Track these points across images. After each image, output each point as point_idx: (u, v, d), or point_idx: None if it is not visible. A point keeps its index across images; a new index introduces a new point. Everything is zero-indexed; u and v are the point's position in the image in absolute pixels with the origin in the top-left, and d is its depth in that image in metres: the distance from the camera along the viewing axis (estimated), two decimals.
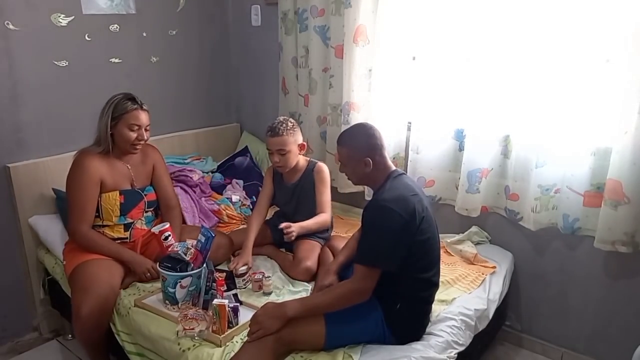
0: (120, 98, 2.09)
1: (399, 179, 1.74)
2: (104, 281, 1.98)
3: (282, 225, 2.16)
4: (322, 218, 2.28)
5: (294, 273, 2.18)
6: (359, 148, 1.75)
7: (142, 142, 2.14)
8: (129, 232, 2.19)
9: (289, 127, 2.22)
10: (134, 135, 2.10)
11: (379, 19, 2.44)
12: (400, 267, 1.67)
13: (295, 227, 2.17)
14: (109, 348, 2.08)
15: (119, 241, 2.15)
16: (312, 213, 2.30)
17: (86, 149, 2.13)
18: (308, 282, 2.14)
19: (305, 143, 2.35)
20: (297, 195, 2.36)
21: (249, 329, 1.68)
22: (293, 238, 2.17)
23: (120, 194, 2.14)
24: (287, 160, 2.25)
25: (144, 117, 2.11)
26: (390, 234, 1.62)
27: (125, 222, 2.18)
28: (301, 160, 2.35)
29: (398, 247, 1.64)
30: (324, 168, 2.34)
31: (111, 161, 2.13)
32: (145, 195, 2.23)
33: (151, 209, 2.27)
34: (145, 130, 2.13)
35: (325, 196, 2.31)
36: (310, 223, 2.24)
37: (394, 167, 1.81)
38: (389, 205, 1.63)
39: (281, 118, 2.28)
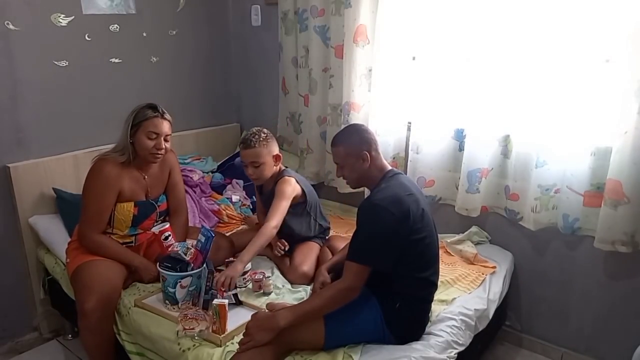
0: (141, 107, 2.06)
1: (394, 179, 1.75)
2: (107, 280, 1.98)
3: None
4: (260, 234, 2.04)
5: (291, 277, 2.18)
6: (355, 143, 1.77)
7: (161, 152, 2.07)
8: (134, 237, 2.18)
9: (261, 139, 2.14)
10: (151, 143, 2.04)
11: (379, 19, 2.44)
12: (394, 266, 1.67)
13: (227, 271, 1.92)
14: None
15: (124, 244, 2.14)
16: (290, 220, 2.22)
17: (107, 155, 2.07)
18: (307, 284, 2.14)
19: (280, 154, 2.23)
20: (270, 203, 2.22)
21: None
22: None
23: (134, 206, 2.11)
24: (261, 173, 2.18)
25: (163, 126, 2.05)
26: (381, 233, 1.63)
27: (135, 232, 2.17)
28: (276, 170, 2.24)
29: (390, 246, 1.65)
30: (286, 180, 2.19)
31: (131, 171, 2.10)
32: (159, 205, 2.21)
33: (161, 218, 2.25)
34: (165, 140, 2.08)
35: (276, 204, 2.11)
36: (251, 249, 2.01)
37: (389, 167, 1.82)
38: (382, 204, 1.64)
39: (254, 129, 2.19)
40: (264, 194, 2.34)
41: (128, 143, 2.05)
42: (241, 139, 2.20)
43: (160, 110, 2.08)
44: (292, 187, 2.19)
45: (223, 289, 1.86)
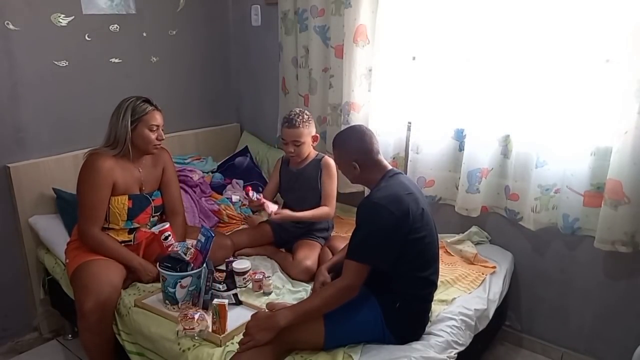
0: (134, 101, 2.09)
1: (394, 178, 1.75)
2: (106, 280, 1.98)
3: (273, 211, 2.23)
4: (322, 211, 2.32)
5: (293, 272, 2.19)
6: (347, 152, 1.80)
7: (161, 142, 2.16)
8: (132, 235, 2.19)
9: (304, 120, 2.28)
10: (154, 135, 2.12)
11: (379, 19, 2.44)
12: (394, 265, 1.68)
13: (282, 214, 2.24)
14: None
15: (122, 244, 2.14)
16: (313, 202, 2.33)
17: (99, 150, 2.10)
18: (307, 282, 2.14)
19: (318, 135, 2.39)
20: (300, 181, 2.38)
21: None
22: (276, 219, 2.25)
23: (129, 199, 2.13)
24: (300, 151, 2.31)
25: (160, 118, 2.14)
26: (381, 231, 1.64)
27: (131, 226, 2.18)
28: (312, 150, 2.40)
29: (389, 244, 1.65)
30: (332, 162, 2.35)
31: (125, 164, 2.12)
32: (153, 200, 2.22)
33: (157, 214, 2.26)
34: (162, 130, 2.16)
35: (330, 189, 2.34)
36: (306, 214, 2.29)
37: (390, 167, 1.82)
38: (381, 202, 1.65)
39: (297, 110, 2.33)
40: (290, 171, 2.42)
41: (127, 137, 2.07)
42: (285, 119, 2.31)
43: (154, 103, 2.14)
44: (336, 170, 2.34)
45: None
